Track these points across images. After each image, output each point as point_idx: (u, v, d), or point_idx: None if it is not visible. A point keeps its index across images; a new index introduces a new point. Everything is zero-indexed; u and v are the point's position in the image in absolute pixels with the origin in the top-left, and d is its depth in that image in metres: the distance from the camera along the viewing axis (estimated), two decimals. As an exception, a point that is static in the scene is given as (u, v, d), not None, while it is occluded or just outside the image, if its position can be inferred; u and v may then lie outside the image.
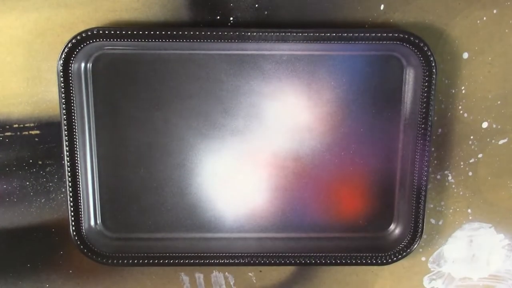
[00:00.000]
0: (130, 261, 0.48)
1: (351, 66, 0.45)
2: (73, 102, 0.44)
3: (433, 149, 0.48)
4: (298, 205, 0.49)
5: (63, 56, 0.43)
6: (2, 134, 0.47)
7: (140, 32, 0.43)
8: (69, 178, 0.46)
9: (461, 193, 0.49)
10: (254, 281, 0.51)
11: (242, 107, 0.46)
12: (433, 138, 0.47)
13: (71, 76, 0.43)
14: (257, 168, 0.48)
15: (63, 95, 0.43)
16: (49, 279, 0.51)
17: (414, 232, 0.47)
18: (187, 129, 0.46)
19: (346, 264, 0.49)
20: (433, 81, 0.44)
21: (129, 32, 0.43)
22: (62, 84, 0.43)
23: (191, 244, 0.49)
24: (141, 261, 0.48)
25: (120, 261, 0.48)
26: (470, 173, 0.49)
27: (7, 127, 0.46)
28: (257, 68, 0.45)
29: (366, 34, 0.43)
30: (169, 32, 0.43)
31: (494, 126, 0.47)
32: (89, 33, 0.42)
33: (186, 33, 0.43)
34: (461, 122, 0.47)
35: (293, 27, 0.43)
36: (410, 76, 0.45)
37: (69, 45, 0.43)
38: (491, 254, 0.51)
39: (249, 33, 0.43)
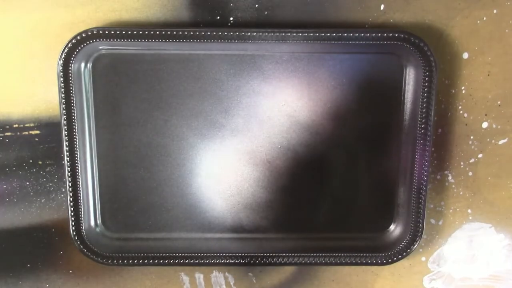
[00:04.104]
0: (130, 261, 0.48)
1: (351, 66, 0.45)
2: (73, 102, 0.44)
3: (433, 149, 0.48)
4: (298, 205, 0.49)
5: (63, 56, 0.43)
6: (2, 134, 0.47)
7: (140, 32, 0.43)
8: (69, 178, 0.46)
9: (461, 193, 0.49)
10: (254, 281, 0.51)
11: (242, 107, 0.46)
12: (433, 138, 0.47)
13: (71, 76, 0.43)
14: (257, 168, 0.48)
15: (63, 95, 0.43)
16: (49, 279, 0.51)
17: (414, 232, 0.47)
18: (187, 129, 0.46)
19: (346, 264, 0.49)
20: (433, 81, 0.44)
21: (129, 32, 0.43)
22: (62, 84, 0.43)
23: (191, 244, 0.49)
24: (141, 261, 0.48)
25: (120, 261, 0.48)
26: (470, 173, 0.49)
27: (7, 127, 0.46)
28: (257, 68, 0.45)
29: (366, 34, 0.43)
30: (169, 32, 0.43)
31: (494, 126, 0.47)
32: (89, 33, 0.42)
33: (186, 33, 0.43)
34: (461, 122, 0.47)
35: (293, 27, 0.43)
36: (410, 76, 0.45)
37: (69, 45, 0.43)
38: (491, 254, 0.51)
39: (249, 33, 0.43)
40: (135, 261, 0.48)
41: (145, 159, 0.47)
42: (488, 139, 0.48)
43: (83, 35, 0.42)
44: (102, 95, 0.45)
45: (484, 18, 0.45)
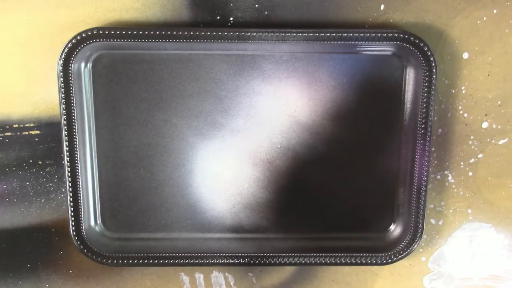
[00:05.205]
0: (130, 261, 0.48)
1: (351, 66, 0.45)
2: (73, 102, 0.44)
3: (433, 149, 0.48)
4: (298, 205, 0.49)
5: (63, 56, 0.43)
6: (2, 134, 0.47)
7: (140, 32, 0.43)
8: (69, 178, 0.46)
9: (461, 193, 0.49)
10: (254, 281, 0.51)
11: (242, 107, 0.46)
12: (433, 138, 0.47)
13: (71, 76, 0.43)
14: (256, 168, 0.48)
15: (63, 95, 0.43)
16: (49, 279, 0.51)
17: (414, 232, 0.47)
18: (187, 129, 0.46)
19: (346, 264, 0.49)
20: (433, 81, 0.44)
21: (129, 32, 0.43)
22: (62, 84, 0.43)
23: (191, 244, 0.49)
24: (141, 261, 0.48)
25: (120, 261, 0.48)
26: (470, 173, 0.49)
27: (7, 127, 0.46)
28: (257, 68, 0.45)
29: (366, 34, 0.43)
30: (169, 32, 0.43)
31: (494, 126, 0.47)
32: (89, 33, 0.42)
33: (186, 33, 0.43)
34: (461, 122, 0.47)
35: (293, 27, 0.43)
36: (410, 76, 0.45)
37: (69, 45, 0.43)
38: (491, 254, 0.51)
39: (249, 33, 0.43)
40: (135, 261, 0.48)
41: (145, 159, 0.47)
42: (488, 139, 0.48)
43: (83, 35, 0.42)
44: (102, 95, 0.45)
45: (484, 18, 0.45)
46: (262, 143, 0.47)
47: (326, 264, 0.49)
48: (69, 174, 0.45)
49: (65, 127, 0.44)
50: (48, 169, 0.48)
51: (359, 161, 0.47)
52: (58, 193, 0.48)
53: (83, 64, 0.44)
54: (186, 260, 0.48)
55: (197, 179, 0.48)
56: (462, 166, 0.48)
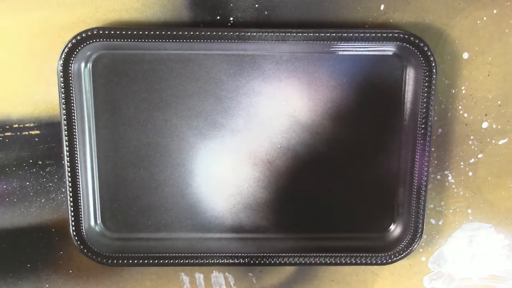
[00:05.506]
0: (130, 261, 0.48)
1: (351, 66, 0.45)
2: (73, 102, 0.44)
3: (433, 149, 0.48)
4: (298, 205, 0.49)
5: (63, 56, 0.43)
6: (2, 134, 0.47)
7: (140, 32, 0.43)
8: (69, 178, 0.46)
9: (461, 193, 0.49)
10: (254, 281, 0.51)
11: (242, 107, 0.46)
12: (433, 138, 0.47)
13: (71, 76, 0.43)
14: (256, 168, 0.48)
15: (63, 95, 0.43)
16: (49, 279, 0.51)
17: (414, 232, 0.47)
18: (187, 129, 0.46)
19: (346, 264, 0.49)
20: (433, 81, 0.44)
21: (129, 32, 0.43)
22: (62, 84, 0.43)
23: (191, 244, 0.49)
24: (141, 261, 0.48)
25: (120, 261, 0.48)
26: (470, 173, 0.49)
27: (7, 127, 0.46)
28: (257, 68, 0.45)
29: (366, 34, 0.43)
30: (169, 32, 0.43)
31: (494, 126, 0.47)
32: (89, 33, 0.42)
33: (186, 33, 0.43)
34: (461, 122, 0.47)
35: (293, 27, 0.43)
36: (410, 76, 0.45)
37: (69, 45, 0.43)
38: (491, 254, 0.51)
39: (249, 33, 0.43)
40: (135, 261, 0.48)
41: (145, 159, 0.47)
42: (488, 139, 0.48)
43: (83, 35, 0.42)
44: (102, 95, 0.45)
45: (484, 18, 0.45)
46: (262, 143, 0.47)
47: (326, 264, 0.49)
48: (69, 174, 0.45)
49: (65, 127, 0.44)
50: (48, 169, 0.48)
51: (359, 161, 0.47)
52: (58, 193, 0.48)
53: (83, 64, 0.44)
54: (186, 260, 0.48)
55: (197, 179, 0.48)
56: (462, 166, 0.48)
